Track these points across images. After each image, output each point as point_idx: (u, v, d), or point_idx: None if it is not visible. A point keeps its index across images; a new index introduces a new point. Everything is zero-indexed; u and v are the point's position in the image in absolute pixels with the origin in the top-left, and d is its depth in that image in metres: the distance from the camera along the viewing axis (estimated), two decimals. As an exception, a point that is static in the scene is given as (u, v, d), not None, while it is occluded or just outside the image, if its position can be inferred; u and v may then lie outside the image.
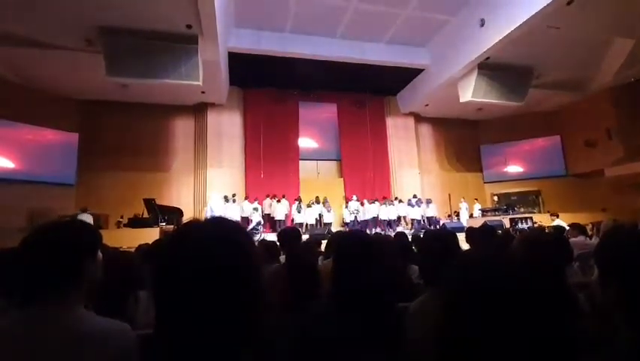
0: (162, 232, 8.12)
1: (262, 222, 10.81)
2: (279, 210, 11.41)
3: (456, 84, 10.79)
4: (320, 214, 11.77)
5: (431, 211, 12.53)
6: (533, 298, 0.55)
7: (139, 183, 11.01)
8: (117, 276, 1.48)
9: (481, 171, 14.93)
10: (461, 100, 10.72)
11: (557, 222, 8.10)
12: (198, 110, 12.22)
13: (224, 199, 10.95)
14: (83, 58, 8.30)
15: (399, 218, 12.29)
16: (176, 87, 9.01)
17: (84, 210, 8.95)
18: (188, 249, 0.59)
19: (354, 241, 1.21)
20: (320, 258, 3.13)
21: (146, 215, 9.36)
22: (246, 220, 10.83)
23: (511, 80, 10.35)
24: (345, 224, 11.94)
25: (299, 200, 11.68)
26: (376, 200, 12.30)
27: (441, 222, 12.22)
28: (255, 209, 10.61)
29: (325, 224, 11.65)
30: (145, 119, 11.64)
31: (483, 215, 11.73)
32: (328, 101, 13.57)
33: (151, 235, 7.29)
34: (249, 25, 9.86)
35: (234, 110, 12.54)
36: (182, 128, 12.23)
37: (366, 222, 11.69)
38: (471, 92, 10.17)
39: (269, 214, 11.62)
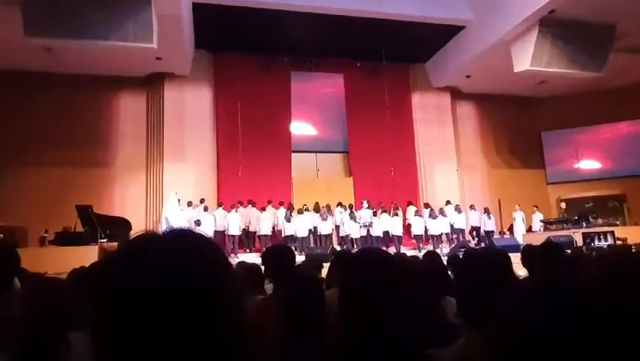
0: (102, 252, 8.14)
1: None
2: (264, 221, 11.37)
3: (508, 48, 10.80)
4: (315, 226, 11.75)
5: (491, 224, 12.62)
6: (611, 346, 0.56)
7: (70, 185, 11.02)
8: (41, 312, 1.48)
9: (543, 167, 14.97)
10: (515, 70, 10.74)
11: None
12: (152, 83, 12.25)
13: (179, 206, 10.85)
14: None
15: (426, 233, 12.17)
16: (122, 52, 8.98)
17: None
18: (141, 273, 0.59)
19: (368, 266, 1.21)
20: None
21: (80, 228, 9.37)
22: (222, 234, 10.81)
23: (585, 42, 10.34)
24: (349, 240, 11.83)
25: (290, 208, 11.59)
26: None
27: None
28: (197, 222, 10.44)
29: (322, 237, 11.62)
30: (79, 96, 11.65)
31: (546, 228, 11.77)
32: (332, 71, 13.60)
33: (87, 255, 7.36)
34: (223, -34, 9.89)
35: (202, 83, 12.58)
36: (130, 107, 12.26)
37: (378, 239, 11.66)
38: (529, 59, 10.18)
39: (246, 228, 11.49)
